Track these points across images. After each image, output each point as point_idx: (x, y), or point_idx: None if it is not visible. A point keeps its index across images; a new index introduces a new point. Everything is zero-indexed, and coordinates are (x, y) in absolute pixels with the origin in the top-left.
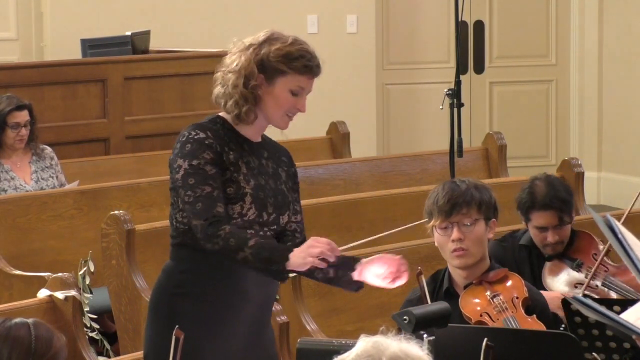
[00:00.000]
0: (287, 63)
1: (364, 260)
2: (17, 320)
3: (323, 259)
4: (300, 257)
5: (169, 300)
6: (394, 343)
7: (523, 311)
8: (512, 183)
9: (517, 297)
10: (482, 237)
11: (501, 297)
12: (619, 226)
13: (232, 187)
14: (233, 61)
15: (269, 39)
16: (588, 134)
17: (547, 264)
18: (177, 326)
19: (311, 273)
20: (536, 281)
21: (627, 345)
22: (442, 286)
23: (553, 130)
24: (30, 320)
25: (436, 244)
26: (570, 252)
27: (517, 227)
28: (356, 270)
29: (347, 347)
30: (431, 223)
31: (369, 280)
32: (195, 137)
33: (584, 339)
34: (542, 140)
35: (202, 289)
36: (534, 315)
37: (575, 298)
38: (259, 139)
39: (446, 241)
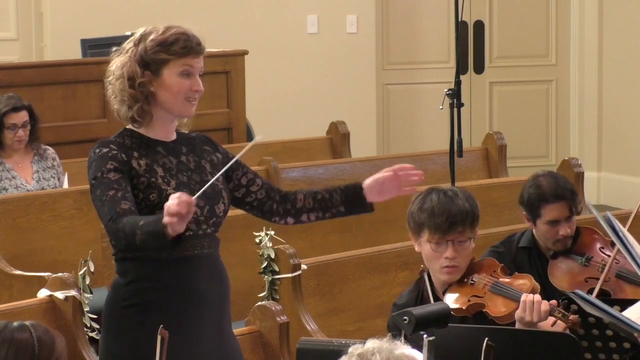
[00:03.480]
0: (165, 50)
1: (366, 183)
2: (17, 323)
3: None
4: (167, 219)
5: (119, 313)
6: (401, 346)
7: (505, 276)
8: (512, 183)
9: (494, 271)
10: (471, 253)
11: (479, 276)
12: (618, 224)
13: (154, 193)
14: (115, 68)
15: (143, 35)
16: (588, 134)
17: (552, 262)
18: (161, 326)
19: (322, 215)
20: (542, 283)
21: (627, 345)
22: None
23: (553, 130)
24: (29, 323)
25: (424, 255)
26: (575, 248)
27: (516, 227)
28: (365, 196)
29: (347, 347)
30: (423, 237)
31: (382, 199)
32: (99, 153)
33: (584, 339)
34: (542, 140)
35: (151, 298)
36: (515, 273)
37: (577, 294)
38: (173, 137)
39: (438, 257)
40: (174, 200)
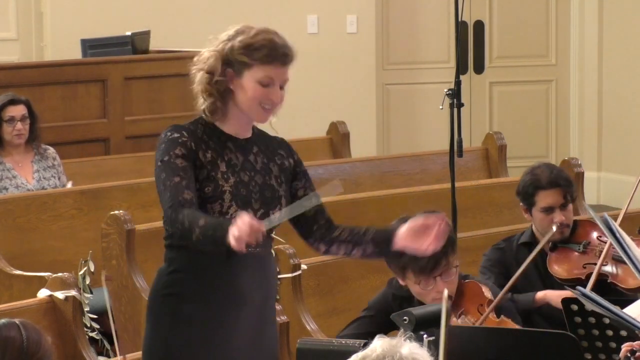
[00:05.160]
0: (249, 54)
1: (401, 231)
2: (5, 320)
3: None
4: (232, 239)
5: (159, 301)
6: (409, 343)
7: (494, 314)
8: (512, 183)
9: (481, 305)
10: (457, 278)
11: (466, 314)
12: (616, 225)
13: (210, 186)
14: (201, 59)
15: (237, 33)
16: (588, 134)
17: (551, 254)
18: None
19: (350, 249)
20: (542, 276)
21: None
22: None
23: (553, 130)
24: (18, 321)
25: (414, 291)
26: (572, 238)
27: (516, 227)
28: (393, 242)
29: (347, 347)
30: (410, 279)
31: (408, 250)
32: (170, 137)
33: (584, 339)
34: (542, 140)
35: (191, 289)
36: (502, 316)
37: (580, 292)
38: (247, 135)
39: (429, 293)
40: (246, 226)
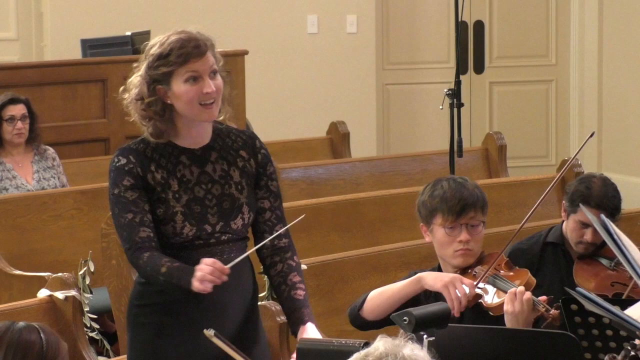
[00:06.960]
0: (164, 64)
1: (301, 336)
2: (24, 324)
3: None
4: (196, 283)
5: (134, 312)
6: (411, 344)
7: (507, 266)
8: (512, 183)
9: (498, 264)
10: (482, 238)
11: (480, 267)
12: (613, 227)
13: (161, 208)
14: (130, 87)
15: (147, 50)
16: (588, 134)
17: (579, 263)
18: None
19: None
20: (563, 280)
21: (627, 345)
22: None
23: (553, 130)
24: (37, 324)
25: (437, 241)
26: (604, 251)
27: (515, 227)
28: (298, 332)
29: (347, 347)
30: (436, 222)
31: None
32: (117, 164)
33: (584, 339)
34: (542, 140)
35: (159, 299)
36: (516, 267)
37: (579, 292)
38: (205, 141)
39: (451, 241)
40: (208, 269)
